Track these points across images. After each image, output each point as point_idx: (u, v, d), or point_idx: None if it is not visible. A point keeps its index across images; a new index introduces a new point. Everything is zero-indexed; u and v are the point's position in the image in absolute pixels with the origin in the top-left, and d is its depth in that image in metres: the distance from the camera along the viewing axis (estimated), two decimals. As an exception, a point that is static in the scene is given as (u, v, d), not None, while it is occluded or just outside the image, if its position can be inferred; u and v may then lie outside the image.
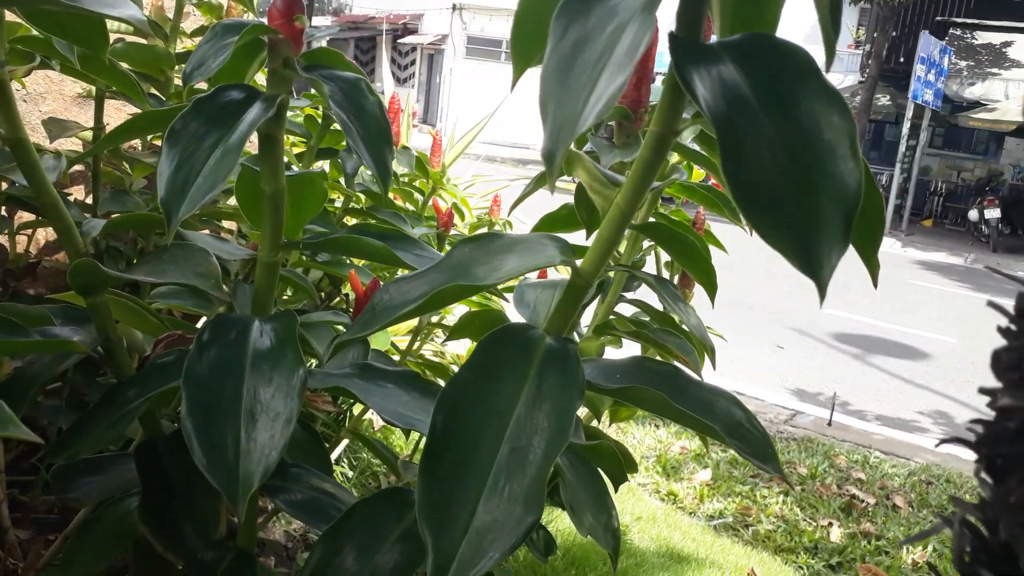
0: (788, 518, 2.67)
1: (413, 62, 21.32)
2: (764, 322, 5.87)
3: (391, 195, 1.71)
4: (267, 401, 0.58)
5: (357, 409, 1.73)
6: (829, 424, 3.76)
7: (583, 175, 0.57)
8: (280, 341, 0.62)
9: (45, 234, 1.54)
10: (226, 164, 0.56)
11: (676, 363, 0.55)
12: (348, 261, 0.96)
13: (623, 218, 0.47)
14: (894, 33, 14.41)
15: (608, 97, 0.36)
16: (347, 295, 1.36)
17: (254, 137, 0.64)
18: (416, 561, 0.59)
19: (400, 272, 0.83)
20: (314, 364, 0.84)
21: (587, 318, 1.08)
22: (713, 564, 2.08)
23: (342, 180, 1.34)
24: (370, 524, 0.60)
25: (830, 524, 2.65)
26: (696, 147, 0.96)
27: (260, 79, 0.71)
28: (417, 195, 1.74)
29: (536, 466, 0.45)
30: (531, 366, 0.49)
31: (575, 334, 0.77)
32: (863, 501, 2.87)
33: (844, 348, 5.49)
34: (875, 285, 0.46)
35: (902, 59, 14.86)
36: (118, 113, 1.74)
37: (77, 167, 1.49)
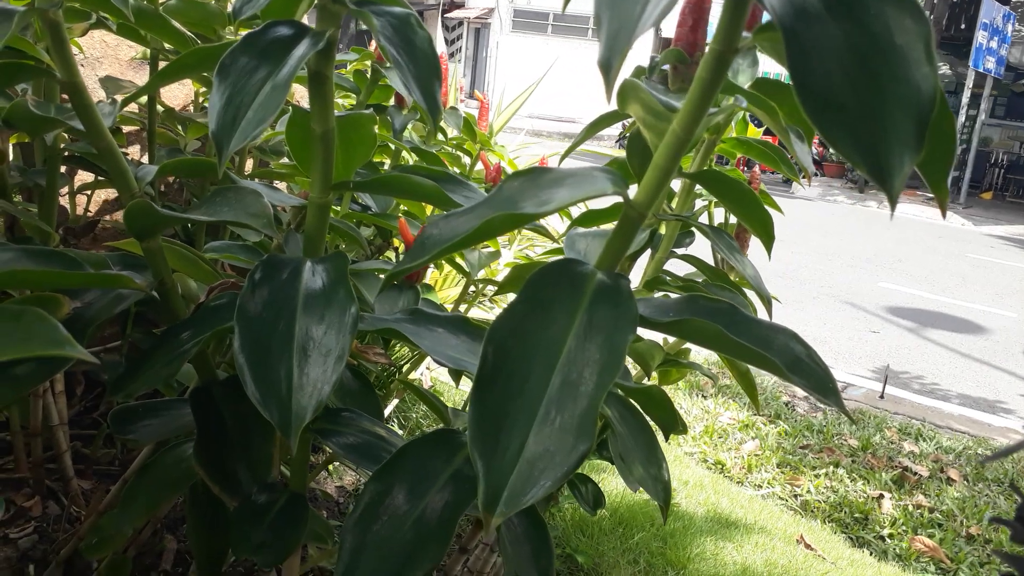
0: (838, 489, 2.63)
1: (460, 36, 21.24)
2: (816, 295, 5.76)
3: (439, 157, 1.70)
4: (319, 338, 0.58)
5: (407, 368, 1.74)
6: (881, 397, 3.69)
7: (637, 108, 0.55)
8: (332, 280, 0.62)
9: (104, 195, 1.58)
10: (275, 99, 0.56)
11: (731, 302, 0.53)
12: (398, 213, 0.96)
13: (679, 144, 0.45)
14: (955, -1, 13.88)
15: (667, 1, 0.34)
16: (396, 248, 1.36)
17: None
18: (466, 501, 0.59)
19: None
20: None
21: (636, 275, 1.07)
22: (762, 530, 2.06)
23: (391, 146, 1.34)
24: (421, 464, 0.60)
25: (881, 496, 2.60)
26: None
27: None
28: (464, 159, 1.74)
29: (588, 397, 0.44)
30: (582, 300, 0.48)
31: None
32: (916, 474, 2.81)
33: (898, 321, 5.36)
34: (943, 215, 0.44)
35: (963, 26, 14.31)
36: (172, 84, 1.76)
37: (132, 128, 1.52)
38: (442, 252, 0.50)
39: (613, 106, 0.99)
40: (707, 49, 0.43)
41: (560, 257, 0.50)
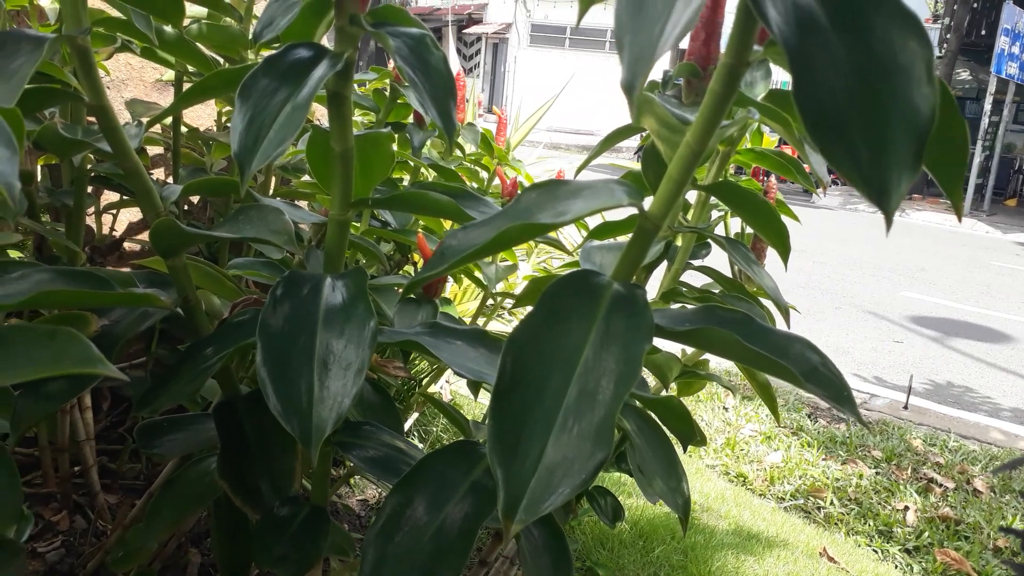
0: (862, 501, 2.60)
1: (478, 52, 21.38)
2: (838, 304, 5.72)
3: (457, 173, 1.72)
4: (339, 352, 0.59)
5: (426, 381, 1.75)
6: (905, 407, 3.64)
7: (651, 122, 0.56)
8: (351, 296, 0.63)
9: (129, 215, 1.61)
10: (295, 119, 0.57)
11: (747, 312, 0.53)
12: (416, 228, 0.97)
13: (693, 156, 0.46)
14: (975, 5, 13.78)
15: (685, 21, 0.35)
16: (415, 263, 1.37)
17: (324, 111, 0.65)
18: (486, 511, 0.59)
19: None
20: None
21: (652, 287, 1.07)
22: (784, 544, 2.04)
23: (410, 163, 1.36)
24: (441, 476, 0.61)
25: (906, 508, 2.57)
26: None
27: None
28: (482, 174, 1.75)
29: (605, 406, 0.45)
30: (598, 310, 0.49)
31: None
32: (941, 485, 2.77)
33: (922, 331, 5.30)
34: (959, 219, 0.44)
35: (983, 32, 14.21)
36: (197, 105, 1.79)
37: (157, 150, 1.55)
38: (460, 261, 0.51)
39: (629, 120, 1.00)
40: (719, 63, 0.44)
41: (576, 269, 0.51)
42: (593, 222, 1.08)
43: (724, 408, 3.29)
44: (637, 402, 0.78)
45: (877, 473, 2.83)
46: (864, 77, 0.37)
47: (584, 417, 0.44)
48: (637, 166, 0.93)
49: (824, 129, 0.36)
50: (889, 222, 0.38)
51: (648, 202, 0.52)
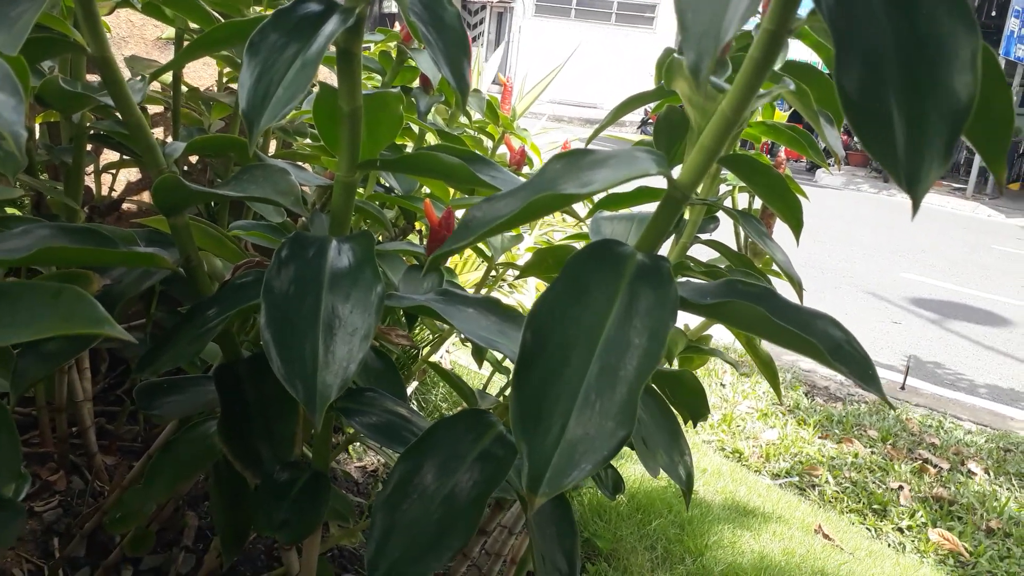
0: (856, 480, 2.61)
1: (482, 21, 21.13)
2: (837, 284, 5.71)
3: (462, 140, 1.70)
4: (345, 316, 0.58)
5: (427, 351, 1.74)
6: (902, 388, 3.65)
7: (683, 86, 0.54)
8: (358, 259, 0.62)
9: (128, 175, 1.59)
10: (305, 75, 0.55)
11: (768, 286, 0.52)
12: (422, 193, 0.95)
13: (727, 125, 0.44)
14: (986, -15, 13.63)
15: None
16: (420, 231, 1.35)
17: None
18: (495, 480, 0.58)
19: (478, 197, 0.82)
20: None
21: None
22: (779, 519, 2.05)
23: (414, 129, 1.34)
24: (450, 444, 0.60)
25: (900, 487, 2.58)
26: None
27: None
28: (487, 143, 1.73)
29: (628, 383, 0.44)
30: (621, 282, 0.48)
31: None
32: (936, 466, 2.79)
33: (921, 312, 5.30)
34: (1000, 191, 0.43)
35: (994, 13, 14.06)
36: (196, 65, 1.76)
37: (157, 109, 1.52)
38: (486, 233, 0.49)
39: (636, 90, 0.97)
40: (760, 28, 0.43)
41: (599, 240, 0.49)
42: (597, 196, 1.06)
43: (721, 384, 3.29)
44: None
45: (872, 452, 2.84)
46: (907, 56, 0.36)
47: (606, 393, 0.43)
48: (637, 138, 0.91)
49: (861, 106, 0.35)
50: (916, 208, 0.37)
51: (676, 171, 0.50)
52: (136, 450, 1.36)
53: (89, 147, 1.22)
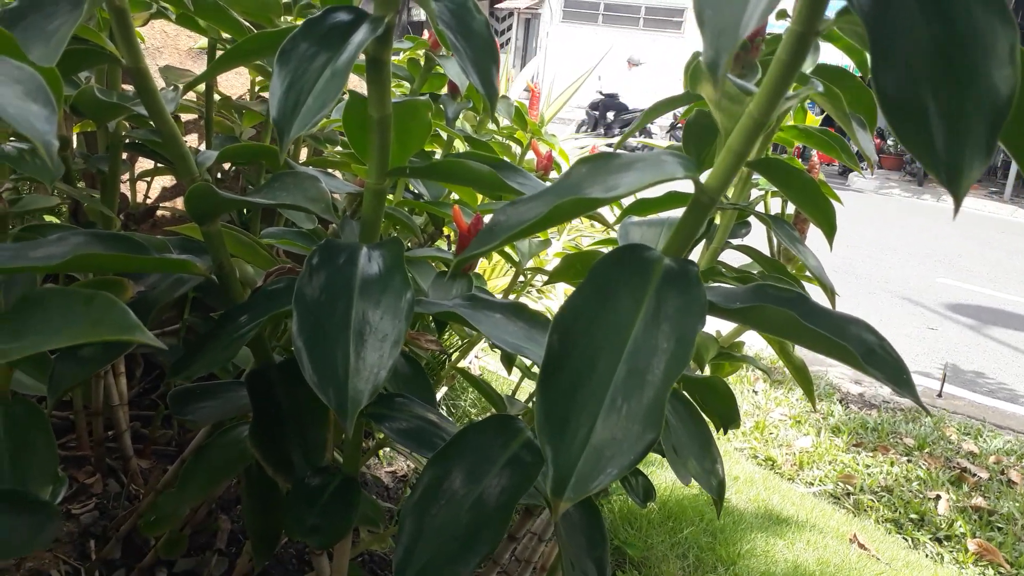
0: (892, 489, 2.57)
1: (510, 27, 21.19)
2: (872, 290, 5.63)
3: (490, 146, 1.70)
4: (375, 323, 0.58)
5: (455, 357, 1.75)
6: (939, 395, 3.59)
7: (709, 89, 0.54)
8: (388, 266, 0.62)
9: (162, 182, 1.61)
10: (335, 85, 0.56)
11: (800, 290, 0.51)
12: (451, 199, 0.96)
13: (756, 127, 0.44)
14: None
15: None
16: (448, 237, 1.36)
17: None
18: (524, 486, 0.58)
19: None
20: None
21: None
22: (813, 528, 2.02)
23: (442, 135, 1.34)
24: (478, 449, 0.60)
25: (938, 497, 2.53)
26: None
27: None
28: (515, 148, 1.73)
29: (655, 387, 0.43)
30: (648, 286, 0.47)
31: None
32: (975, 475, 2.73)
33: (958, 319, 5.20)
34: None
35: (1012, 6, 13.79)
36: (228, 74, 1.79)
37: (190, 116, 1.54)
38: (511, 238, 0.49)
39: (664, 96, 0.97)
40: (787, 30, 0.42)
41: (626, 244, 0.49)
42: (626, 201, 1.05)
43: (753, 391, 3.26)
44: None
45: (909, 461, 2.79)
46: (944, 52, 0.36)
47: (633, 397, 0.43)
48: (666, 144, 0.90)
49: (899, 105, 0.35)
50: (958, 205, 0.36)
51: (704, 176, 0.50)
52: (170, 454, 1.38)
53: (124, 155, 1.24)
